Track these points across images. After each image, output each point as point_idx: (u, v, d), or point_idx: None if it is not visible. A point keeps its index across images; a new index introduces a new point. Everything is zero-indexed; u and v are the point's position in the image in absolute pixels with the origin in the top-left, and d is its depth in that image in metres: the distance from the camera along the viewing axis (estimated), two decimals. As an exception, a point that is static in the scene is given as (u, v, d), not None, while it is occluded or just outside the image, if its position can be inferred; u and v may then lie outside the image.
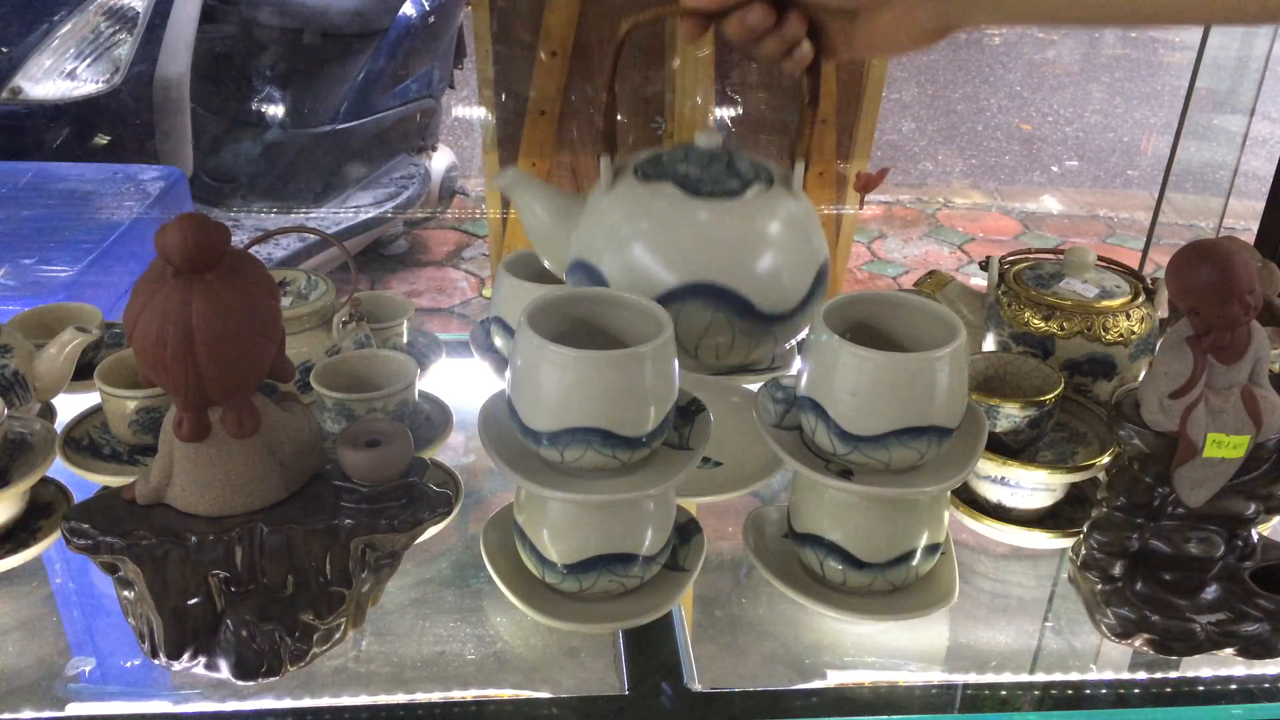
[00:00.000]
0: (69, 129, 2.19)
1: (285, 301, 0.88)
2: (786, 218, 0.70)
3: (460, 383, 0.93)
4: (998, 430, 0.76)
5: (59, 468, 0.75)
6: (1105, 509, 0.68)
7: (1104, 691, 0.67)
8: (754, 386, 0.78)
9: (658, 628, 0.68)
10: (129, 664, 0.67)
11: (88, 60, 2.21)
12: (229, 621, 0.60)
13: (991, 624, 0.74)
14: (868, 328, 0.67)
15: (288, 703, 0.63)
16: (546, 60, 1.66)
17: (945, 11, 0.57)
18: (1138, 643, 0.67)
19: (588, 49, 1.67)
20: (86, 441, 0.79)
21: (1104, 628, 0.68)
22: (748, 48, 0.62)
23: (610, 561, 0.64)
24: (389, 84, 2.80)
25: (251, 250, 0.65)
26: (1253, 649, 0.67)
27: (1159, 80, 4.78)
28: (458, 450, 0.90)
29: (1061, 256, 0.89)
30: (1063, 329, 0.83)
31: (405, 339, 0.94)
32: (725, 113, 1.72)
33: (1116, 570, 0.68)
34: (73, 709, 0.64)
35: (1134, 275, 0.89)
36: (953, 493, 0.78)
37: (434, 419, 0.84)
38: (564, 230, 0.73)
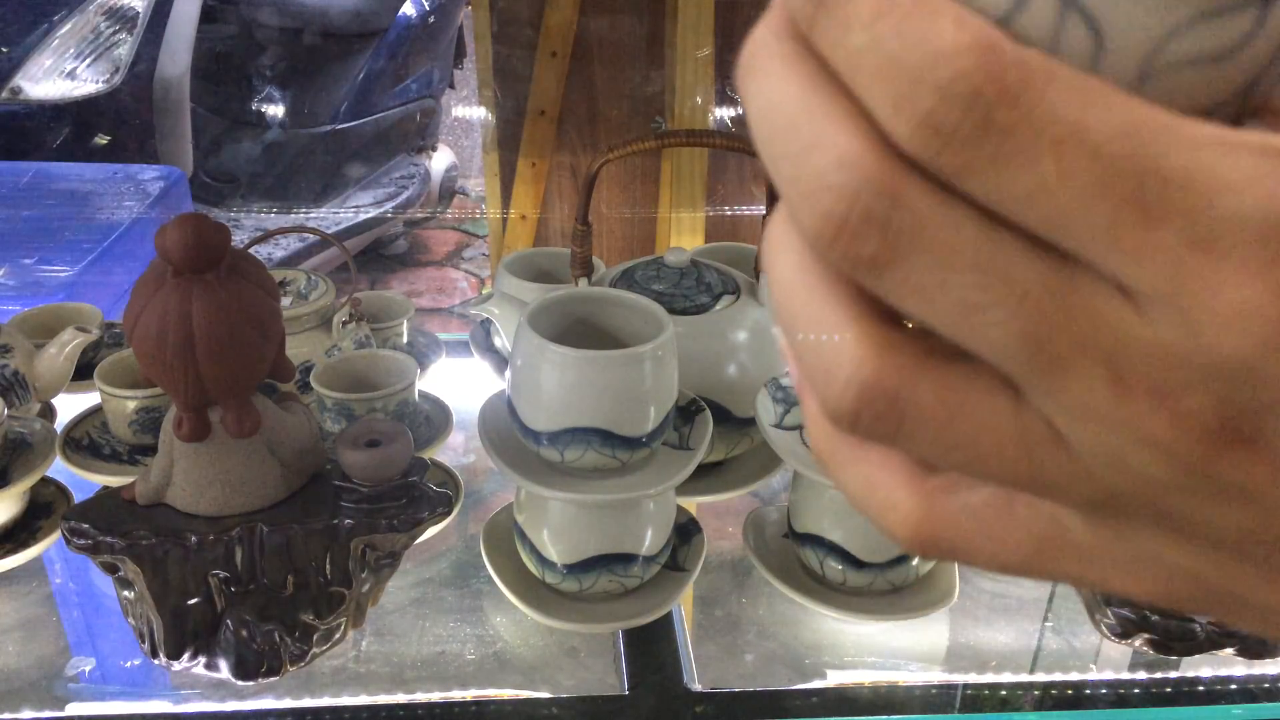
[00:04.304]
0: (69, 129, 2.19)
1: (285, 301, 0.88)
2: (754, 326, 0.75)
3: (460, 383, 0.93)
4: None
5: (59, 468, 0.75)
6: (1105, 509, 0.68)
7: (1104, 691, 0.67)
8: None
9: (657, 628, 0.68)
10: (129, 664, 0.67)
11: (88, 60, 2.21)
12: (229, 621, 0.60)
13: (991, 624, 0.74)
14: None
15: (288, 703, 0.63)
16: (546, 60, 1.66)
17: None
18: (1138, 643, 0.67)
19: (588, 49, 1.67)
20: (86, 441, 0.79)
21: (1104, 628, 0.68)
22: None
23: (610, 561, 0.64)
24: (389, 84, 2.80)
25: (251, 250, 0.65)
26: (1253, 649, 0.67)
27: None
28: (458, 450, 0.90)
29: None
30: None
31: (405, 339, 0.94)
32: (725, 113, 1.73)
33: (1116, 570, 0.68)
34: (73, 709, 0.64)
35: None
36: (953, 493, 0.78)
37: (434, 419, 0.84)
38: None
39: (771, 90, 0.18)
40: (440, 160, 3.01)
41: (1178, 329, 0.15)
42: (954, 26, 0.15)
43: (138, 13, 2.26)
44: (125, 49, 2.23)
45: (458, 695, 0.65)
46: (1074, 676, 0.69)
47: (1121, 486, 0.17)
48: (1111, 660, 0.70)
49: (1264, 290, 0.15)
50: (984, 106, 0.15)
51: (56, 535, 0.70)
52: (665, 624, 0.68)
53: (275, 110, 2.69)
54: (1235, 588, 0.19)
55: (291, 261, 2.39)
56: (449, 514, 0.66)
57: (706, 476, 0.79)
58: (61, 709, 0.64)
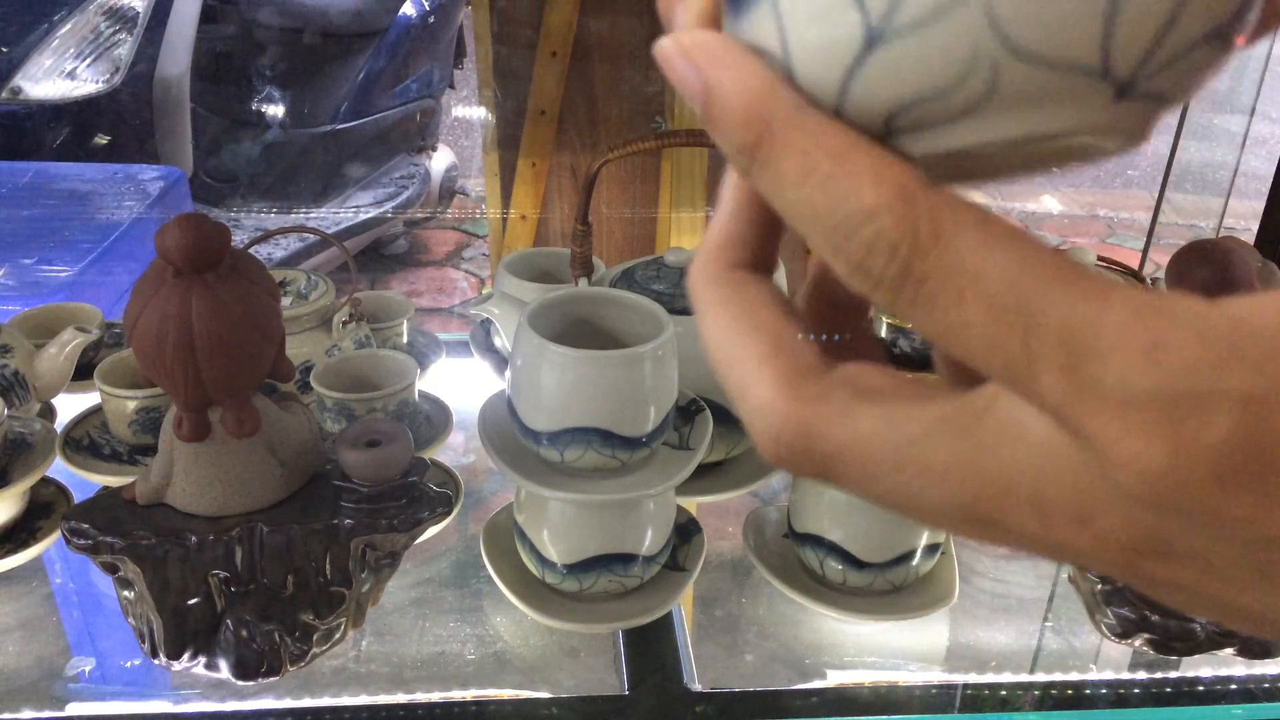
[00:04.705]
0: (69, 129, 2.19)
1: (285, 301, 0.88)
2: None
3: (460, 383, 0.93)
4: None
5: (59, 468, 0.75)
6: (1105, 509, 0.68)
7: (1104, 691, 0.67)
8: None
9: (658, 628, 0.68)
10: (129, 664, 0.67)
11: (88, 60, 2.20)
12: (229, 621, 0.60)
13: (991, 624, 0.74)
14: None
15: (288, 703, 0.63)
16: (546, 60, 1.66)
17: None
18: (1138, 643, 0.67)
19: (588, 49, 1.67)
20: (86, 441, 0.79)
21: (1104, 628, 0.68)
22: None
23: (610, 561, 0.64)
24: (389, 84, 2.80)
25: (251, 250, 0.65)
26: (1253, 649, 0.67)
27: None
28: (458, 450, 0.90)
29: (1061, 256, 0.89)
30: (1063, 329, 0.83)
31: (405, 339, 0.94)
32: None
33: (1116, 570, 0.68)
34: (73, 709, 0.64)
35: (1134, 275, 0.89)
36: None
37: (434, 419, 0.84)
38: None
39: (707, 333, 0.21)
40: (440, 160, 3.01)
41: (1078, 460, 0.17)
42: (872, 185, 0.17)
43: (138, 13, 2.26)
44: (125, 49, 2.23)
45: (458, 695, 0.65)
46: (1074, 676, 0.69)
47: (1075, 563, 0.20)
48: (1111, 660, 0.70)
49: (1143, 445, 0.16)
50: (903, 258, 0.17)
51: (56, 535, 0.70)
52: (665, 624, 0.68)
53: (275, 110, 2.69)
54: (1200, 613, 0.20)
55: (291, 261, 2.39)
56: (449, 514, 0.66)
57: (706, 476, 0.79)
58: (61, 709, 0.64)
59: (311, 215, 2.69)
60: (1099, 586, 0.69)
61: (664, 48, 0.20)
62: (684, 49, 0.19)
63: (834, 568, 0.67)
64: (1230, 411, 0.15)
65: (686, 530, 0.72)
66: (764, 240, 0.22)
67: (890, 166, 0.18)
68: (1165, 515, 0.16)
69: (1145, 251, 1.72)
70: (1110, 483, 0.17)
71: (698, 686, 0.65)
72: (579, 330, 0.65)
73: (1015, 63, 0.17)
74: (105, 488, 0.65)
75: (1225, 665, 0.68)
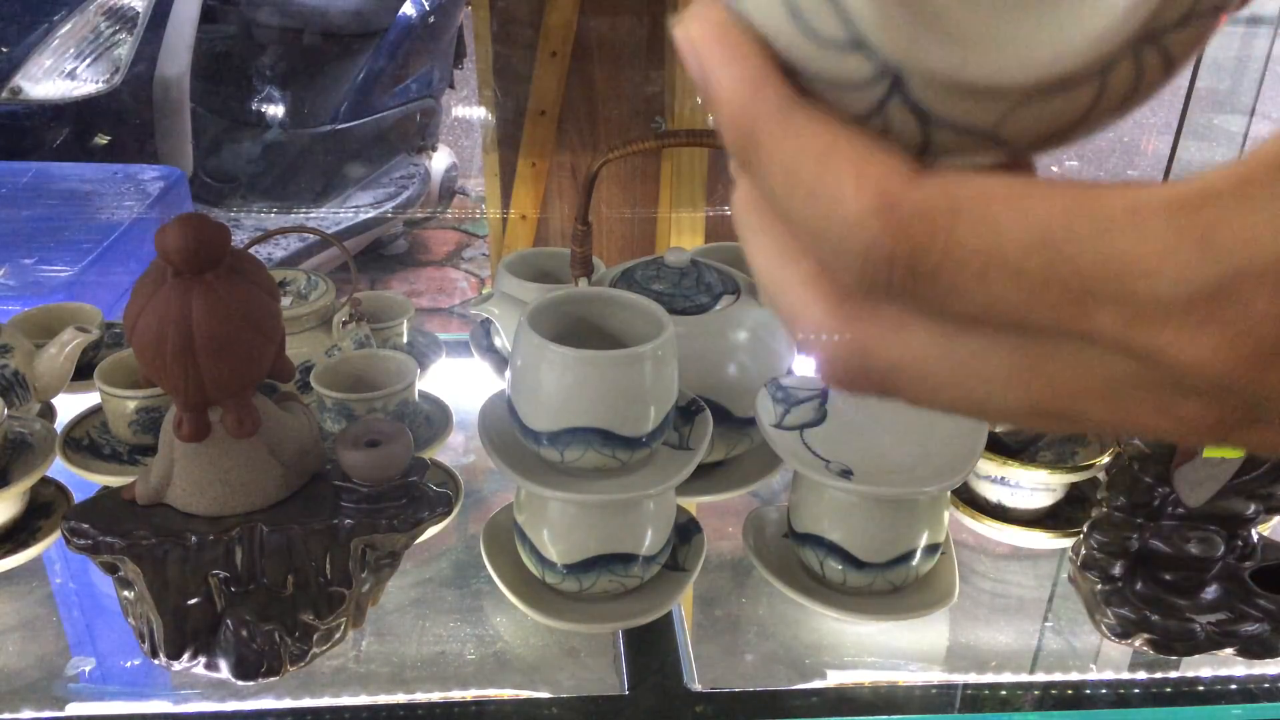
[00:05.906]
0: (69, 129, 2.18)
1: (285, 301, 0.88)
2: (754, 326, 0.75)
3: (460, 383, 0.93)
4: (997, 430, 0.76)
5: (59, 468, 0.75)
6: (1105, 509, 0.68)
7: (1104, 691, 0.67)
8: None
9: (658, 628, 0.68)
10: (129, 664, 0.67)
11: (88, 60, 2.20)
12: (229, 621, 0.60)
13: (991, 624, 0.74)
14: None
15: (288, 703, 0.63)
16: (546, 60, 1.66)
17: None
18: (1138, 643, 0.67)
19: (588, 49, 1.67)
20: (86, 441, 0.79)
21: (1104, 628, 0.68)
22: None
23: (610, 561, 0.64)
24: (389, 84, 2.80)
25: (251, 250, 0.65)
26: (1253, 649, 0.67)
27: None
28: (458, 450, 0.90)
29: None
30: (1063, 329, 0.83)
31: (405, 339, 0.94)
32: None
33: (1116, 570, 0.68)
34: (73, 709, 0.64)
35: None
36: (953, 493, 0.78)
37: (434, 419, 0.84)
38: None
39: (784, 159, 0.19)
40: (440, 160, 3.01)
41: (1148, 370, 0.17)
42: (854, 188, 0.17)
43: (138, 13, 2.26)
44: (125, 49, 2.23)
45: (458, 695, 0.65)
46: (1074, 676, 0.69)
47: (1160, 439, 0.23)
48: (1111, 660, 0.70)
49: (1206, 349, 0.16)
50: (903, 262, 0.17)
51: (56, 535, 0.70)
52: (665, 624, 0.68)
53: (275, 110, 2.68)
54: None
55: (291, 261, 2.38)
56: (449, 514, 0.66)
57: (706, 476, 0.79)
58: (61, 709, 0.64)
59: (311, 215, 2.69)
60: (1099, 586, 0.69)
61: (675, 35, 0.19)
62: (689, 38, 0.19)
63: (834, 568, 0.67)
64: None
65: (686, 530, 0.72)
66: None
67: (871, 165, 0.17)
68: (1241, 394, 0.17)
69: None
70: (1184, 382, 0.17)
71: (698, 686, 0.65)
72: (579, 330, 0.65)
73: None
74: (105, 488, 0.65)
75: (1225, 665, 0.68)
